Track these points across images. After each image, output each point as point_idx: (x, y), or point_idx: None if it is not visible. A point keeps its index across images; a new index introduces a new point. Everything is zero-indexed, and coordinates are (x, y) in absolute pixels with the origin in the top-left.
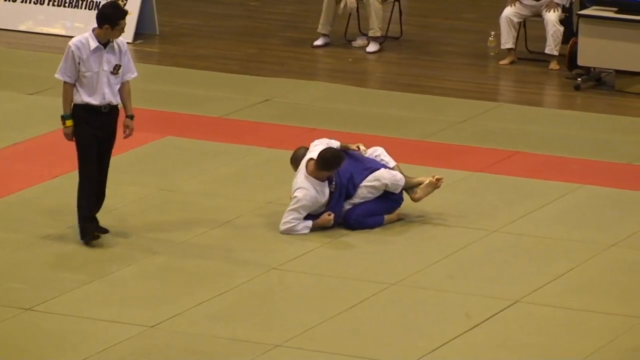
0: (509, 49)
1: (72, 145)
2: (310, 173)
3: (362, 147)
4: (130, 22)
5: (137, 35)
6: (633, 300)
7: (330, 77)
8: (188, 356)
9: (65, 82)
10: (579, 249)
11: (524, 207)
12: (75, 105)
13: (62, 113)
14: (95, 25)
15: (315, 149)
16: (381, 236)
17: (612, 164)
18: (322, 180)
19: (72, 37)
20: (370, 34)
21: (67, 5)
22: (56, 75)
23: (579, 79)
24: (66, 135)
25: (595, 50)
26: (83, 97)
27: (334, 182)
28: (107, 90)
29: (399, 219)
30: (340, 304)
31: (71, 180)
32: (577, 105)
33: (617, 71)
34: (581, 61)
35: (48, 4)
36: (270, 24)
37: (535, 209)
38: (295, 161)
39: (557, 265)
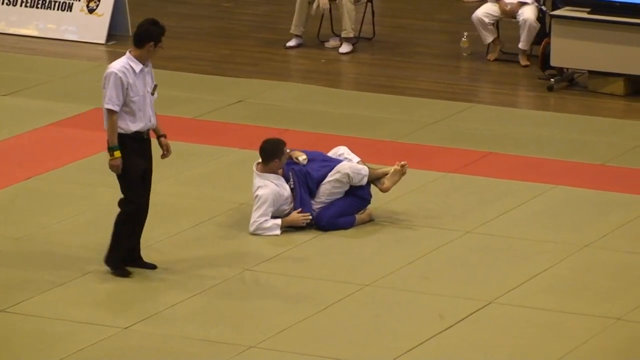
0: (494, 40)
1: (46, 146)
2: (262, 170)
3: (300, 158)
4: (103, 23)
5: (110, 36)
6: (607, 301)
7: (303, 78)
8: (162, 357)
9: (114, 112)
10: (552, 249)
11: (498, 207)
12: (122, 135)
13: (111, 145)
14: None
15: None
16: (355, 237)
17: (585, 165)
18: (277, 173)
19: (44, 38)
20: (343, 34)
21: (39, 6)
22: (108, 107)
23: (552, 80)
24: (116, 167)
25: (568, 51)
26: (130, 125)
27: (291, 180)
28: (151, 113)
29: (371, 220)
30: (314, 306)
31: (45, 181)
32: (550, 106)
33: (590, 72)
34: (554, 62)
35: (20, 5)
36: (243, 25)
37: (509, 209)
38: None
39: (531, 266)
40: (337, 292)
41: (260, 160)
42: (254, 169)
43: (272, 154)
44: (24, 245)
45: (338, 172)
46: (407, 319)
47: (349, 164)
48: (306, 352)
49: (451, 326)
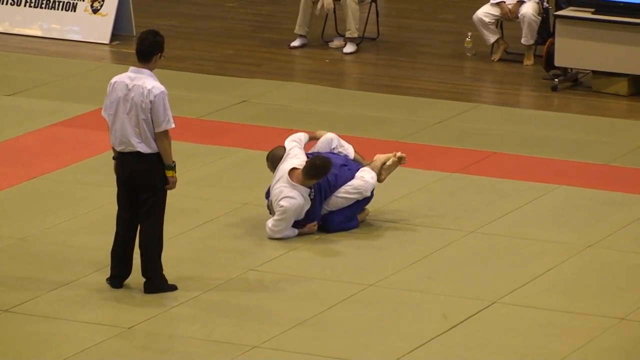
0: (497, 40)
1: (50, 146)
2: (298, 181)
3: (318, 133)
4: (107, 23)
5: (114, 36)
6: (610, 301)
7: (307, 78)
8: (165, 357)
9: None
10: (556, 249)
11: (502, 207)
12: (159, 155)
13: (170, 163)
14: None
15: (295, 156)
16: (358, 238)
17: (589, 165)
18: (308, 187)
19: (48, 38)
20: (347, 34)
21: (43, 6)
22: (172, 126)
23: (556, 80)
24: (175, 183)
25: (572, 51)
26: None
27: (311, 191)
28: None
29: (367, 215)
30: (318, 305)
31: (48, 181)
32: (554, 106)
33: (594, 72)
34: (558, 62)
35: (25, 5)
36: (246, 24)
37: (513, 209)
38: (273, 160)
39: (535, 266)
40: (341, 292)
41: (297, 167)
42: (286, 173)
43: (319, 173)
44: (28, 246)
45: (359, 193)
46: (410, 318)
47: (368, 184)
48: (310, 352)
49: (455, 326)
